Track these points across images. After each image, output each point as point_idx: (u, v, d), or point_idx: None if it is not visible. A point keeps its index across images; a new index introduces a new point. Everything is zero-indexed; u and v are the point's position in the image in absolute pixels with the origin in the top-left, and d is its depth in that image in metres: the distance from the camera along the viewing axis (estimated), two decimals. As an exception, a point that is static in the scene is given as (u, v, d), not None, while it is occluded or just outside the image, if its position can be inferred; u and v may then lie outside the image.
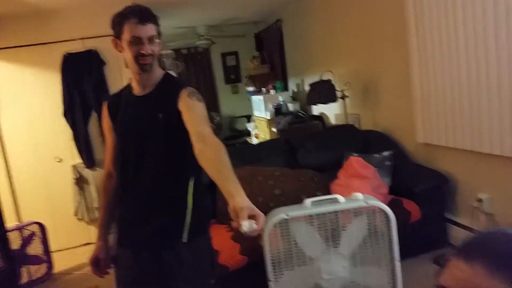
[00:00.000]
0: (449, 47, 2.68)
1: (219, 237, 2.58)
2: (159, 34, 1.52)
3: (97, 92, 4.02)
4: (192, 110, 1.46)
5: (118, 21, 1.49)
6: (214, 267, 1.92)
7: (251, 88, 6.51)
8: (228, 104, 7.57)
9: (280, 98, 5.41)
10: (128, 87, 1.64)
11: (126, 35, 1.47)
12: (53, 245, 3.55)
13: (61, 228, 3.98)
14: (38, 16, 3.91)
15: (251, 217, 1.18)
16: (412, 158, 3.30)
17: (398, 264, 1.62)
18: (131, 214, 1.63)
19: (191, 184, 1.58)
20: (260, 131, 5.85)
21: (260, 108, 5.67)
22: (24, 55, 3.91)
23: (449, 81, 2.72)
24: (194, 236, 1.58)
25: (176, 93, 1.51)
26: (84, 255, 3.79)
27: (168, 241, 1.57)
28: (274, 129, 5.11)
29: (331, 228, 1.62)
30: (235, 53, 7.68)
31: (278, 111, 5.29)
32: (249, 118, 7.04)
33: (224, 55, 7.66)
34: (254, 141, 6.21)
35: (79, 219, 4.07)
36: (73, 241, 4.07)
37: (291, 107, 5.30)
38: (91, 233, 4.11)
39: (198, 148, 1.36)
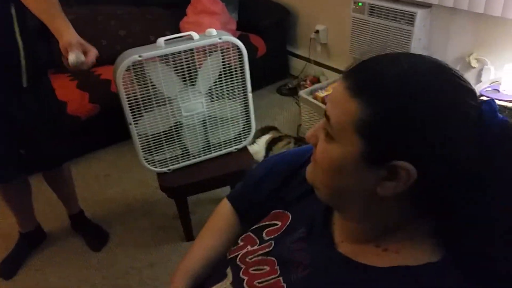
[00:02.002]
0: None
1: (64, 87, 2.37)
2: None
3: None
4: None
5: None
6: (62, 115, 1.84)
7: None
8: None
9: None
10: None
11: None
12: None
13: None
14: None
15: (83, 52, 1.28)
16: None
17: (250, 96, 1.74)
18: None
19: (14, 23, 1.39)
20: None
21: None
22: None
23: None
24: (34, 80, 1.49)
25: None
26: None
27: (8, 86, 1.44)
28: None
29: (186, 67, 1.61)
30: None
31: None
32: None
33: None
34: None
35: None
36: None
37: None
38: None
39: None
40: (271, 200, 0.78)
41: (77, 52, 1.22)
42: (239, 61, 1.68)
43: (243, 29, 2.98)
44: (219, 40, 1.61)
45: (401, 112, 0.47)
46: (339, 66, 2.83)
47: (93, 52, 1.29)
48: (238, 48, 1.65)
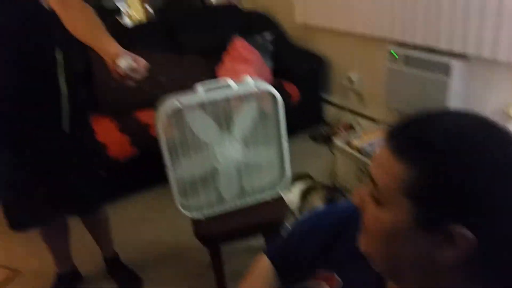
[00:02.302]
0: None
1: (105, 129, 2.47)
2: None
3: None
4: None
5: None
6: (101, 159, 1.88)
7: (118, -39, 5.73)
8: (92, -21, 6.63)
9: (154, -26, 4.90)
10: None
11: None
12: None
13: None
14: None
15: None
16: (291, 39, 3.40)
17: (285, 143, 1.76)
18: (3, 110, 1.46)
19: (60, 68, 1.45)
20: (132, 9, 5.35)
21: (132, -15, 5.09)
22: None
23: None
24: (75, 125, 1.53)
25: None
26: None
27: (49, 132, 1.49)
28: (148, 7, 4.72)
29: (223, 114, 1.66)
30: None
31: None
32: (118, -5, 6.32)
33: None
34: (126, 21, 5.70)
35: None
36: None
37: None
38: None
39: (63, 14, 1.29)
40: (314, 259, 0.75)
41: (127, 57, 1.16)
42: (275, 108, 1.71)
43: (278, 76, 3.06)
44: (256, 89, 1.66)
45: (447, 172, 0.45)
46: (373, 114, 2.82)
47: (142, 61, 1.24)
48: (274, 96, 1.68)
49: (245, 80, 1.68)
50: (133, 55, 1.23)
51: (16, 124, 1.46)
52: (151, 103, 1.91)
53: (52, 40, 1.41)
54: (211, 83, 1.66)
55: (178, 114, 1.61)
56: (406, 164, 0.48)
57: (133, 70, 1.17)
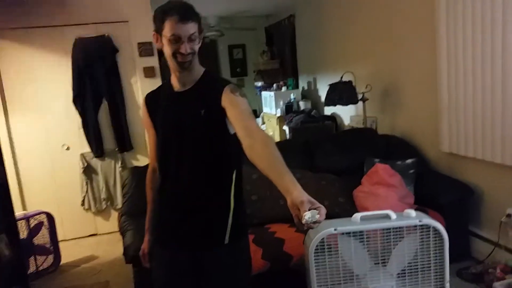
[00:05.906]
0: (483, 50, 2.57)
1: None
2: (200, 31, 1.48)
3: (109, 80, 3.91)
4: (236, 105, 1.43)
5: (160, 17, 1.45)
6: (250, 271, 1.86)
7: (259, 83, 6.40)
8: (232, 97, 7.44)
9: (292, 96, 5.33)
10: (167, 84, 1.60)
11: (166, 32, 1.43)
12: (58, 235, 3.44)
13: (67, 218, 3.88)
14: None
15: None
16: (434, 166, 3.24)
17: (447, 286, 1.56)
18: (171, 213, 1.59)
19: (232, 184, 1.54)
20: (268, 127, 5.76)
21: (270, 104, 5.58)
22: (34, 36, 3.75)
23: (480, 87, 2.63)
24: (235, 238, 1.55)
25: (219, 89, 1.47)
26: (90, 247, 3.71)
27: (209, 242, 1.54)
28: (285, 127, 5.03)
29: (380, 245, 1.56)
30: (243, 46, 7.55)
31: (289, 109, 5.20)
32: (254, 113, 6.94)
33: (231, 48, 7.52)
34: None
35: (85, 209, 3.96)
36: (79, 232, 3.98)
37: (302, 105, 5.22)
38: (98, 224, 4.02)
39: (247, 143, 1.32)
40: None
41: (313, 210, 1.12)
42: (439, 245, 1.56)
43: (419, 203, 2.87)
44: (419, 223, 1.55)
45: None
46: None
47: (323, 210, 1.17)
48: (439, 232, 1.55)
49: (406, 212, 1.59)
50: (317, 203, 1.15)
51: (180, 228, 1.55)
52: (285, 217, 1.89)
53: (232, 160, 1.53)
54: (369, 212, 1.61)
55: (331, 240, 1.56)
56: None
57: (315, 222, 1.15)
